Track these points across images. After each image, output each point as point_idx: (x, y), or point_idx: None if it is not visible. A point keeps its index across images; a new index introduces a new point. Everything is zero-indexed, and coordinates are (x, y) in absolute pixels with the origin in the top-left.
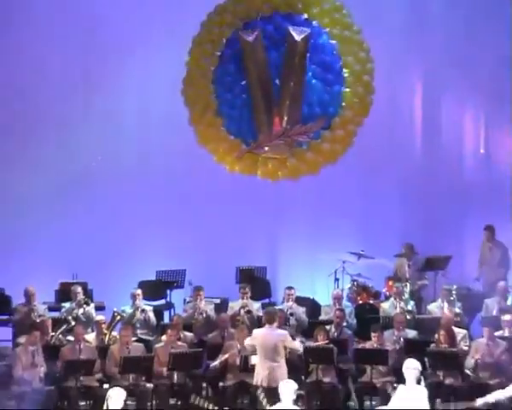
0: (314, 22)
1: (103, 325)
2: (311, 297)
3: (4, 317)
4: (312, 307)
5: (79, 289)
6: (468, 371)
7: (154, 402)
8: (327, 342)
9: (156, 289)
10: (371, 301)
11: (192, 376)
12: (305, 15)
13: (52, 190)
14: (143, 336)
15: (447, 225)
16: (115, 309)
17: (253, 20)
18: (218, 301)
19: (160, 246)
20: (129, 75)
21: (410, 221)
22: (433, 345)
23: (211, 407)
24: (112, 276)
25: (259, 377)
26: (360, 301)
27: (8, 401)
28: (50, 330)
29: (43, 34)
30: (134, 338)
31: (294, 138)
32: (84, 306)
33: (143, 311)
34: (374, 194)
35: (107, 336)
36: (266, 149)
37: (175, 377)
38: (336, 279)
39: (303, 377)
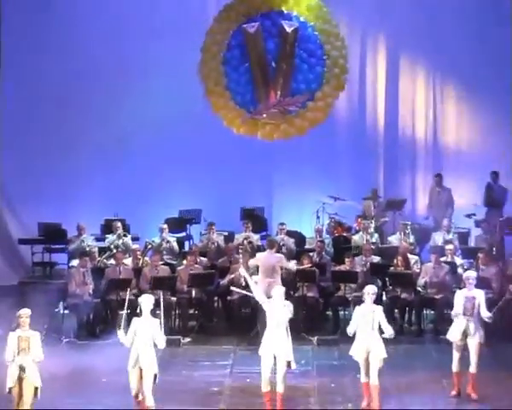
0: (301, 18)
1: (138, 252)
2: (299, 231)
3: (61, 246)
4: (299, 238)
5: (119, 224)
6: (419, 288)
7: (176, 312)
8: (310, 265)
9: (179, 224)
10: (345, 234)
11: (206, 291)
12: (295, 12)
13: (100, 146)
14: (169, 261)
15: (403, 175)
16: (147, 240)
17: (254, 16)
18: (226, 233)
19: (181, 190)
20: (156, 58)
21: (375, 172)
22: (392, 268)
23: None
24: (144, 213)
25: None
26: (336, 234)
27: (63, 310)
28: (97, 256)
29: (84, 22)
30: (161, 262)
31: (286, 108)
32: (123, 237)
33: (168, 241)
34: (347, 150)
35: (141, 261)
36: (264, 116)
37: (193, 292)
38: (318, 217)
39: (292, 292)
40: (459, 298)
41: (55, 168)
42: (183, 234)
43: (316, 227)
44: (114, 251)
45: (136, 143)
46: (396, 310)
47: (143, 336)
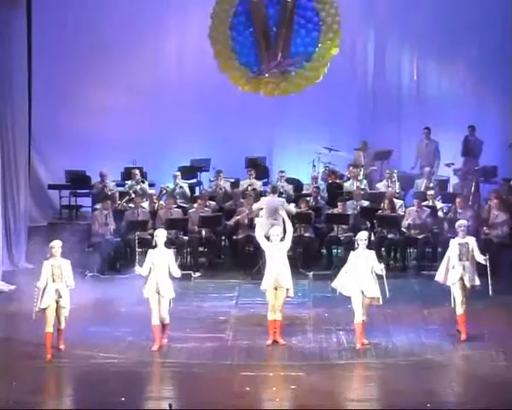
0: None
1: (154, 197)
2: (297, 178)
3: (86, 190)
4: (297, 185)
5: (137, 171)
6: (403, 229)
7: (188, 250)
8: (307, 209)
9: (190, 171)
10: (338, 181)
11: (215, 232)
12: None
13: (120, 102)
14: (181, 204)
15: (390, 128)
16: (162, 185)
17: None
18: (232, 180)
19: (193, 142)
20: (170, 23)
21: (365, 125)
22: (379, 211)
23: None
24: (160, 162)
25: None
26: (330, 181)
27: (87, 248)
28: (117, 200)
29: None
30: (175, 205)
31: (286, 68)
32: (141, 183)
33: (181, 187)
34: (341, 106)
35: (157, 204)
36: (266, 75)
37: (203, 232)
38: (314, 166)
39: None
40: (454, 246)
41: (80, 121)
42: (194, 180)
43: (312, 175)
44: (133, 195)
45: (152, 100)
46: (383, 249)
47: (160, 265)
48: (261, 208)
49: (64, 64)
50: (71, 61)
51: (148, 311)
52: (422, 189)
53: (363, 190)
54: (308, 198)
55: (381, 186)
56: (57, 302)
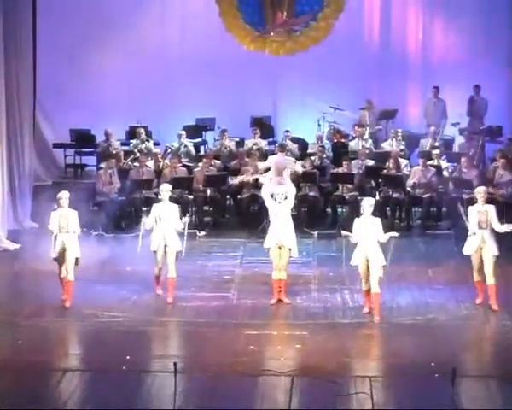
0: None
1: (159, 156)
2: (302, 137)
3: (90, 149)
4: (302, 144)
5: (142, 130)
6: (408, 189)
7: (193, 209)
8: (312, 168)
9: (195, 130)
10: (343, 141)
11: (219, 191)
12: None
13: (124, 61)
14: (186, 163)
15: (395, 88)
16: (167, 144)
17: None
18: (237, 139)
19: (198, 100)
20: None
21: (370, 84)
22: (384, 170)
23: None
24: (165, 121)
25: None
26: (335, 140)
27: (92, 207)
28: (122, 159)
29: None
30: (180, 164)
31: (291, 27)
32: (146, 142)
33: (186, 146)
34: (346, 65)
35: (162, 163)
36: (272, 34)
37: (208, 191)
38: (319, 125)
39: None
40: (473, 213)
41: (85, 80)
42: (199, 139)
43: (317, 134)
44: (138, 154)
45: (157, 59)
46: (388, 208)
47: (165, 218)
48: (268, 168)
49: (69, 26)
50: (75, 23)
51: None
52: (427, 148)
53: (368, 149)
54: (313, 157)
55: (386, 146)
56: (65, 251)
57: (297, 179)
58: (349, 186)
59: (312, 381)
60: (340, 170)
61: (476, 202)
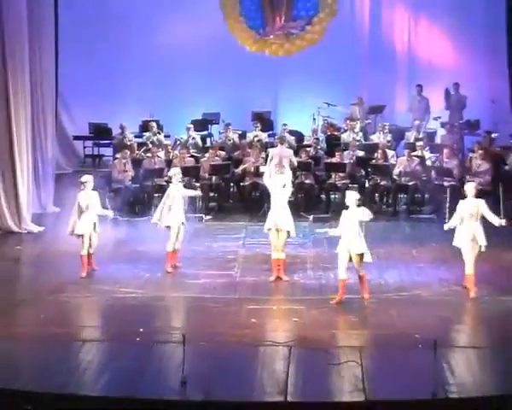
0: None
1: (169, 147)
2: (298, 130)
3: (107, 141)
4: (299, 136)
5: (154, 123)
6: (395, 177)
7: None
8: (307, 158)
9: (202, 124)
10: (335, 133)
11: (224, 178)
12: None
13: (139, 60)
14: (194, 154)
15: (384, 85)
16: (176, 137)
17: None
18: (240, 132)
19: (204, 96)
20: None
21: (361, 82)
22: (373, 160)
23: None
24: (175, 115)
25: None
26: (328, 133)
27: (109, 193)
28: (136, 150)
29: None
30: (188, 155)
31: (289, 30)
32: (157, 134)
33: (194, 138)
34: (339, 65)
35: (172, 154)
36: (271, 36)
37: (213, 179)
38: (314, 119)
39: (293, 179)
40: (462, 207)
41: (103, 78)
42: (206, 132)
43: (312, 127)
44: (150, 146)
45: (168, 60)
46: (376, 194)
47: (176, 198)
48: (271, 159)
49: (89, 27)
50: (96, 24)
51: (163, 247)
52: (412, 140)
53: (358, 141)
54: (308, 148)
55: (374, 138)
56: (87, 230)
57: (294, 170)
58: (341, 175)
59: (308, 351)
60: (333, 160)
61: (466, 197)
